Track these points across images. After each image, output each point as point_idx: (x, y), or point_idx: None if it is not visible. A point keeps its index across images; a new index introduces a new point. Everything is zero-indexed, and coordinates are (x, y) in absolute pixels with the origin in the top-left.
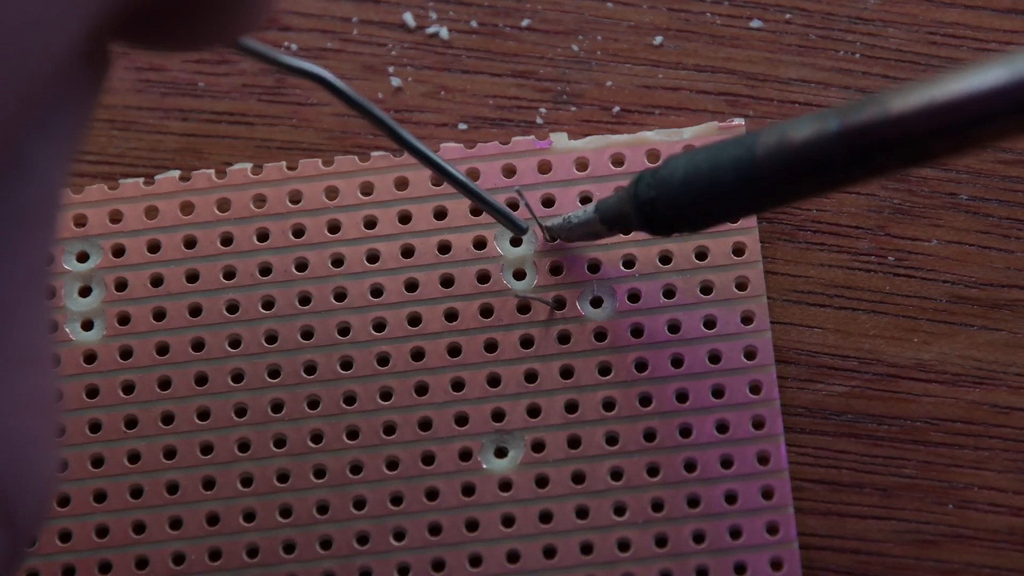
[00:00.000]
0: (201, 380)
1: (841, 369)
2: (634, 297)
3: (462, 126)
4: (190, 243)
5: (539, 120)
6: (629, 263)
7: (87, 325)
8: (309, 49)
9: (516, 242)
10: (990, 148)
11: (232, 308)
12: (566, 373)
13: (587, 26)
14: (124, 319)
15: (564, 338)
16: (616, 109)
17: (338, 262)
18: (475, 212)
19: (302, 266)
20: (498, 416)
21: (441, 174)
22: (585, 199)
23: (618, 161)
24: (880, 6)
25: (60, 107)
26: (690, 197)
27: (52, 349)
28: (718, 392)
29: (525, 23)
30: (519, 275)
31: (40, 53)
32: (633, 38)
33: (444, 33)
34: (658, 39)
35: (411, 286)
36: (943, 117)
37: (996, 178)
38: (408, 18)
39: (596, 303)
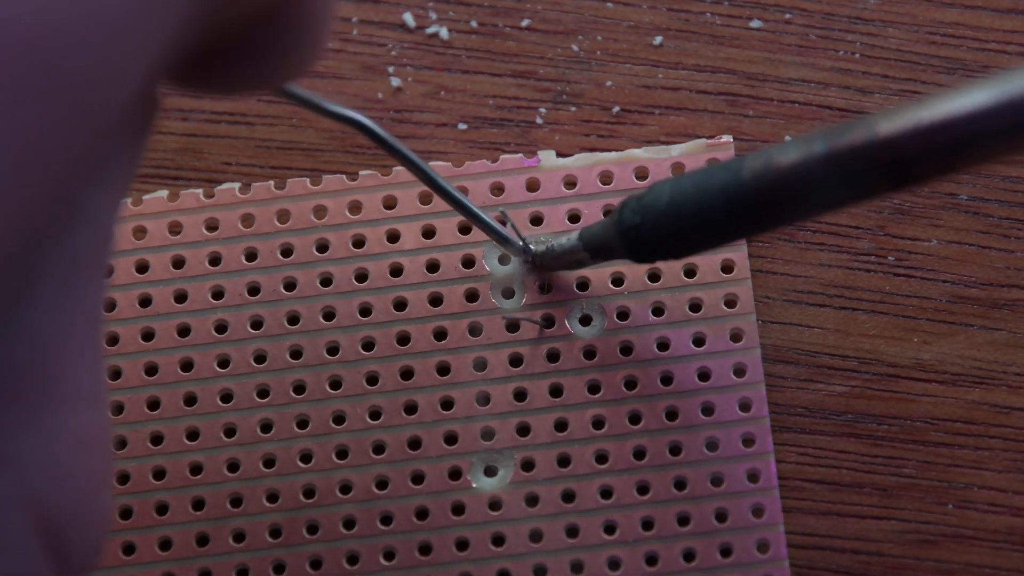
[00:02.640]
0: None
1: (841, 369)
2: (623, 315)
3: (462, 126)
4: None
5: (539, 120)
6: (618, 281)
7: None
8: None
9: (504, 260)
10: (978, 169)
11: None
12: (555, 391)
13: (587, 26)
14: None
15: (553, 356)
16: (616, 109)
17: (327, 281)
18: (464, 231)
19: (291, 285)
20: (488, 435)
21: (471, 218)
22: (574, 217)
23: (606, 179)
24: (880, 6)
25: (113, 152)
26: (676, 223)
27: (106, 388)
28: (708, 410)
29: (525, 23)
30: (508, 293)
31: (105, 99)
32: (633, 38)
33: (444, 33)
34: (658, 39)
35: (399, 304)
36: (931, 139)
37: (996, 178)
38: (408, 18)
39: (585, 321)
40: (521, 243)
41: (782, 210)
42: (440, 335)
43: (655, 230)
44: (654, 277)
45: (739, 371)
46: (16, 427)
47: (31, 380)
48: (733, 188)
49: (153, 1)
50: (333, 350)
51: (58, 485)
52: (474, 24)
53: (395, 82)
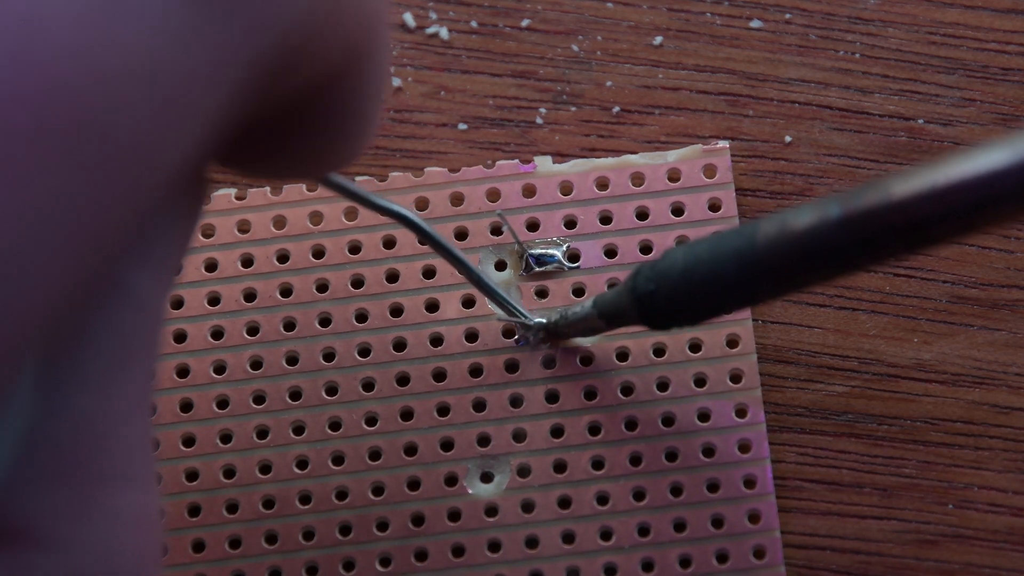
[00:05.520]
0: (186, 407)
1: (841, 369)
2: None
3: (462, 126)
4: None
5: (539, 120)
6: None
7: None
8: None
9: (500, 266)
10: (995, 229)
11: (216, 335)
12: (551, 397)
13: (587, 26)
14: None
15: (549, 362)
16: (616, 109)
17: (323, 287)
18: (460, 237)
19: (287, 291)
20: (483, 441)
21: (509, 313)
22: (570, 223)
23: (602, 185)
24: (880, 6)
25: (160, 232)
26: (690, 289)
27: (154, 468)
28: (704, 416)
29: (525, 23)
30: None
31: (153, 170)
32: (633, 38)
33: (444, 33)
34: (658, 39)
35: (396, 311)
36: (946, 201)
37: None
38: (408, 18)
39: None
40: (531, 320)
41: (797, 275)
42: (436, 341)
43: (669, 297)
44: None
45: (735, 377)
46: (66, 508)
47: (81, 462)
48: (747, 254)
49: (210, 70)
50: (329, 357)
51: (107, 566)
52: (474, 24)
53: (395, 82)
